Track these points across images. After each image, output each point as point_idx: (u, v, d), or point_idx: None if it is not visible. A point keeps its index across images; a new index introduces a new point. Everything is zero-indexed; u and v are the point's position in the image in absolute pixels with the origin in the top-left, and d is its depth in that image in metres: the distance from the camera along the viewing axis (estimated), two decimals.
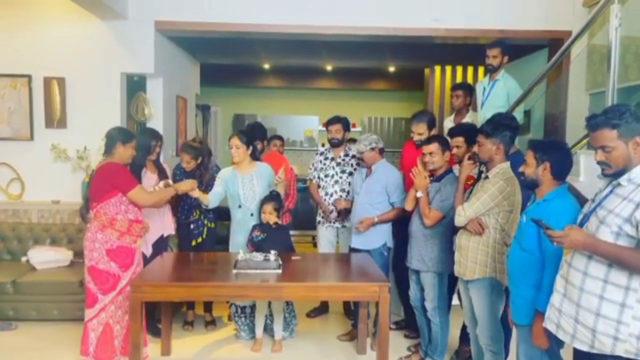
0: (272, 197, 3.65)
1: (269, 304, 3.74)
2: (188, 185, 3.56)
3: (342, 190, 4.08)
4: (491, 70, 4.08)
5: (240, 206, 3.72)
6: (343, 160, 4.15)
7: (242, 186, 3.70)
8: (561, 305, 2.03)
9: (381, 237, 3.68)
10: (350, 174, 4.09)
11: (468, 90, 4.44)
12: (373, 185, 3.66)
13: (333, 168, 4.15)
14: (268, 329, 3.84)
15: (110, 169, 3.14)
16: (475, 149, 2.93)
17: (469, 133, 3.26)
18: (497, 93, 4.04)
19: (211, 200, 3.68)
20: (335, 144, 4.14)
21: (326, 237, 4.19)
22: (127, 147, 3.19)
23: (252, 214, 3.70)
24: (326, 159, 4.22)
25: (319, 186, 4.22)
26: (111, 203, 3.14)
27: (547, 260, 2.25)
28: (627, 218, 1.81)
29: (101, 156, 3.20)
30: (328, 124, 4.18)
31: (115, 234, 3.16)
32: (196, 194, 3.60)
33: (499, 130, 2.84)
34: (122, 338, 3.25)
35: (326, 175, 4.17)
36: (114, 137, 3.18)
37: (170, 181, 3.66)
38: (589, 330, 1.90)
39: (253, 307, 3.79)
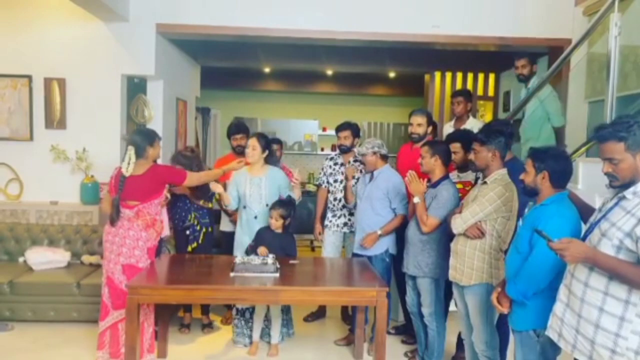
0: (281, 203, 3.63)
1: (267, 308, 3.73)
2: (238, 164, 3.70)
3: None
4: (523, 80, 4.18)
5: (245, 207, 3.73)
6: (352, 165, 4.14)
7: (249, 187, 3.71)
8: (563, 315, 2.02)
9: (384, 243, 3.67)
10: (359, 179, 4.08)
11: (468, 96, 4.48)
12: (374, 190, 3.65)
13: (342, 173, 4.14)
14: (263, 334, 3.82)
15: (159, 170, 3.37)
16: (471, 156, 2.94)
17: (466, 139, 3.27)
18: (532, 102, 4.09)
19: (232, 203, 3.73)
20: (344, 150, 4.13)
21: (332, 241, 4.16)
22: (155, 146, 3.39)
23: (255, 217, 3.70)
24: (335, 164, 4.22)
25: (328, 191, 4.22)
26: (154, 204, 3.32)
27: (532, 255, 2.26)
28: (629, 232, 1.79)
29: (126, 163, 3.27)
30: (337, 130, 4.15)
31: (154, 233, 3.36)
32: (219, 189, 3.65)
33: (493, 136, 2.85)
34: (149, 335, 3.38)
35: (335, 180, 4.16)
36: (141, 144, 3.31)
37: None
38: (588, 342, 1.90)
39: (252, 312, 3.79)
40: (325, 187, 4.25)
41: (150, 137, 3.37)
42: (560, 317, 2.04)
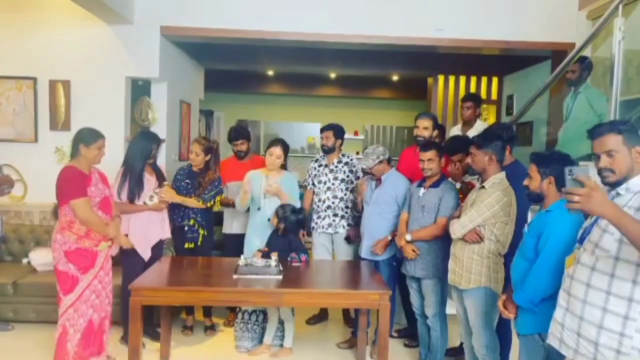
0: (283, 205, 3.67)
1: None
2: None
3: (335, 197, 4.09)
4: (571, 85, 4.17)
5: (259, 208, 3.77)
6: (336, 167, 4.16)
7: (267, 188, 3.76)
8: (564, 319, 2.01)
9: (391, 248, 3.68)
10: (343, 180, 4.11)
11: (478, 101, 4.50)
12: (383, 195, 3.66)
13: (326, 175, 4.17)
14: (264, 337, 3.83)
15: (63, 174, 3.09)
16: (468, 160, 2.95)
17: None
18: (579, 105, 4.08)
19: (244, 203, 3.78)
20: (325, 151, 4.19)
21: (321, 243, 4.19)
22: (91, 148, 3.08)
23: (269, 219, 3.74)
24: (320, 165, 4.26)
25: (314, 193, 4.24)
26: (65, 208, 3.09)
27: (538, 262, 2.26)
28: None
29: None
30: (321, 130, 4.24)
31: (73, 236, 3.09)
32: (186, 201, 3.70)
33: (489, 140, 2.87)
34: (75, 342, 3.11)
35: (319, 182, 4.19)
36: (76, 139, 3.10)
37: (164, 190, 3.71)
38: (591, 344, 1.87)
39: (253, 313, 3.79)
40: (311, 189, 4.27)
41: (89, 137, 3.08)
42: (560, 322, 2.02)
